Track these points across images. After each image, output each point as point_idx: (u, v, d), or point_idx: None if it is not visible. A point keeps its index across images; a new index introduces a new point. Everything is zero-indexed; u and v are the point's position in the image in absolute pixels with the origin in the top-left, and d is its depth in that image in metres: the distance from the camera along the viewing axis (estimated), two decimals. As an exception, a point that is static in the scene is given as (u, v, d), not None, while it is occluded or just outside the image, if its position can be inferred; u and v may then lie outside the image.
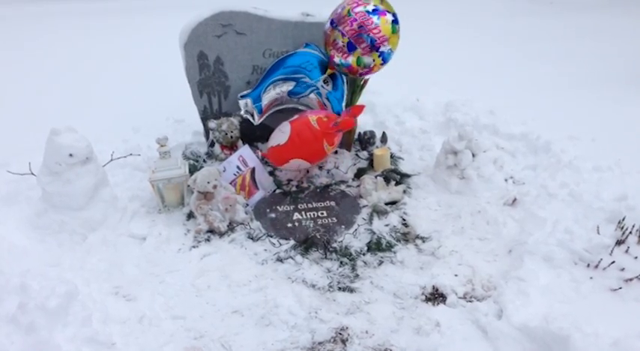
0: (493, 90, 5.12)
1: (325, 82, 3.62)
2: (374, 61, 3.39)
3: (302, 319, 2.51)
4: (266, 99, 3.61)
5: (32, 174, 3.32)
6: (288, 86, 3.61)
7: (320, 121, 3.37)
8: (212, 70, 3.74)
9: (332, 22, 3.43)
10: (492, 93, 4.99)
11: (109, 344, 2.36)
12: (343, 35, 3.35)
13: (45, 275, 2.64)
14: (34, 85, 5.68)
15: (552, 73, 5.60)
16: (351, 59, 3.39)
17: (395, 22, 3.39)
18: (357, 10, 3.32)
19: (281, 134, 3.39)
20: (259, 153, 3.62)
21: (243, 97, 3.65)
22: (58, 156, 2.99)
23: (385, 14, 3.34)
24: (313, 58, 3.62)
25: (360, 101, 3.90)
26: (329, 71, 3.60)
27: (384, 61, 3.44)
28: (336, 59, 3.46)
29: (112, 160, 3.61)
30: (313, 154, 3.48)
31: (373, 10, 3.32)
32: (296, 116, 3.45)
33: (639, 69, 5.50)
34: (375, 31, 3.29)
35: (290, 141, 3.35)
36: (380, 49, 3.35)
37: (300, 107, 3.73)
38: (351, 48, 3.35)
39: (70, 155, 2.99)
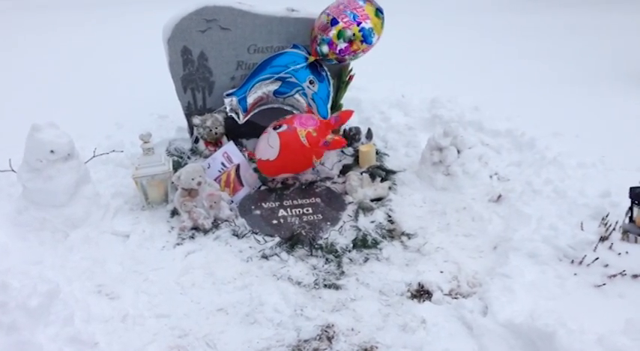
0: (478, 86, 5.13)
1: (311, 82, 3.61)
2: (354, 35, 3.45)
3: (287, 316, 2.50)
4: (251, 98, 3.59)
5: (12, 170, 3.27)
6: (274, 86, 3.60)
7: (309, 136, 3.35)
8: (196, 66, 3.71)
9: (323, 11, 3.57)
10: (477, 89, 5.00)
11: (91, 344, 2.33)
12: (328, 15, 3.49)
13: (26, 273, 2.60)
14: (14, 80, 5.60)
15: (537, 70, 5.63)
16: (332, 33, 3.44)
17: (379, 11, 3.55)
18: None
19: (270, 149, 3.36)
20: (246, 152, 3.60)
21: (228, 95, 3.62)
22: (39, 152, 2.94)
23: (371, 2, 3.54)
24: (300, 58, 3.61)
25: (345, 97, 3.90)
26: (311, 58, 3.60)
27: (365, 38, 3.49)
28: (319, 37, 3.51)
29: (94, 156, 3.57)
30: (300, 167, 3.52)
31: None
32: (284, 126, 3.40)
33: (625, 66, 5.55)
34: (359, 9, 3.47)
35: (279, 158, 3.36)
36: (361, 25, 3.43)
37: (286, 107, 3.72)
38: (334, 23, 3.45)
39: (52, 151, 2.95)
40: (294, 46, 3.69)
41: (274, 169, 3.46)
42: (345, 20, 3.42)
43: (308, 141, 3.35)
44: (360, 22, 3.43)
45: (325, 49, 3.50)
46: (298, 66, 3.58)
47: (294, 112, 3.71)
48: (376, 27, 3.51)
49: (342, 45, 3.47)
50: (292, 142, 3.34)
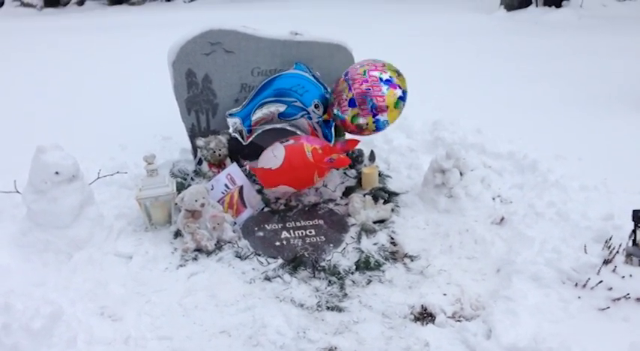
0: (480, 109, 5.15)
1: (316, 106, 3.64)
2: (367, 124, 3.47)
3: (290, 339, 2.49)
4: (255, 117, 3.61)
5: (17, 192, 3.29)
6: (278, 107, 3.62)
7: (315, 152, 3.38)
8: (200, 88, 3.74)
9: (346, 74, 3.54)
10: (479, 112, 5.02)
11: (93, 366, 2.33)
12: (350, 90, 3.44)
13: (29, 295, 2.60)
14: (19, 101, 5.65)
15: (538, 92, 5.66)
16: (348, 114, 3.46)
17: (402, 98, 3.48)
18: (373, 73, 3.43)
19: (273, 158, 3.38)
20: (247, 166, 3.62)
21: (231, 115, 3.64)
22: (44, 174, 2.96)
23: (396, 88, 3.45)
24: (304, 80, 3.64)
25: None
26: (325, 116, 3.67)
27: (377, 128, 3.53)
28: (335, 109, 3.54)
29: (98, 177, 3.59)
30: (302, 183, 3.51)
31: (386, 80, 3.43)
32: (290, 141, 3.43)
33: (626, 87, 5.56)
34: (379, 98, 3.39)
35: (282, 168, 3.35)
36: (377, 117, 3.43)
37: (290, 128, 3.74)
38: (352, 104, 3.43)
39: (56, 173, 2.97)
40: (297, 65, 3.70)
41: (274, 179, 3.44)
42: (362, 108, 3.41)
43: (313, 156, 3.37)
44: (377, 114, 3.42)
45: (338, 120, 3.57)
46: (290, 71, 3.61)
47: (298, 133, 3.73)
48: (391, 117, 3.50)
49: (353, 127, 3.54)
50: (297, 155, 3.36)
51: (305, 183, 3.51)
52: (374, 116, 3.42)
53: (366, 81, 3.41)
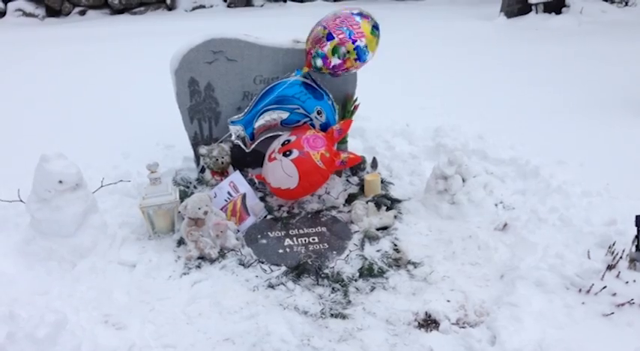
0: (481, 115, 5.16)
1: (319, 113, 3.65)
2: (348, 52, 3.47)
3: (294, 346, 2.49)
4: (258, 125, 3.61)
5: (21, 201, 3.29)
6: (281, 114, 3.63)
7: (324, 158, 3.43)
8: (203, 97, 3.75)
9: (318, 24, 3.60)
10: (481, 118, 5.03)
11: (98, 374, 2.33)
12: (324, 28, 3.50)
13: (33, 304, 2.61)
14: (22, 110, 5.66)
15: (539, 98, 5.67)
16: (327, 48, 3.47)
17: (375, 28, 3.57)
18: (344, 12, 3.56)
19: (289, 178, 3.41)
20: (253, 176, 3.63)
21: (233, 123, 3.65)
22: (47, 183, 2.97)
23: (368, 19, 3.55)
24: (306, 87, 3.64)
25: (350, 127, 3.92)
26: (305, 69, 3.64)
27: (359, 56, 3.51)
28: (314, 51, 3.54)
29: (101, 186, 3.60)
30: (319, 187, 3.64)
31: (357, 14, 3.54)
32: (295, 152, 3.43)
33: (627, 93, 5.57)
34: (355, 26, 3.48)
35: (300, 186, 3.44)
36: (356, 43, 3.45)
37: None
38: (329, 38, 3.46)
39: (60, 182, 2.97)
40: (298, 72, 3.70)
41: (295, 195, 3.57)
42: (340, 37, 3.44)
43: (324, 163, 3.43)
44: (355, 40, 3.45)
45: (319, 62, 3.54)
46: (291, 78, 3.61)
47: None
48: (370, 45, 3.53)
49: (335, 61, 3.50)
50: (310, 169, 3.41)
51: (319, 186, 3.64)
52: (353, 42, 3.45)
53: (339, 17, 3.52)
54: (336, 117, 3.77)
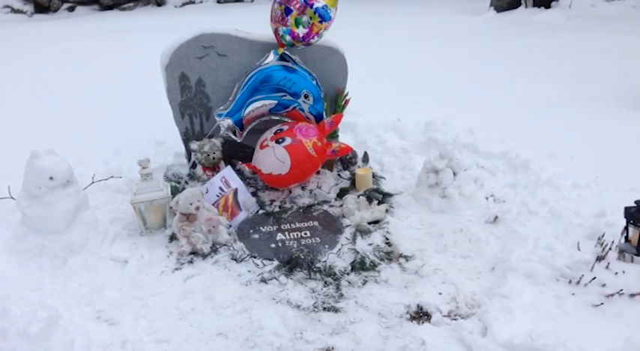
0: (472, 109, 5.18)
1: (306, 96, 3.65)
2: (311, 19, 3.47)
3: (287, 340, 2.50)
4: (246, 114, 3.60)
5: (11, 197, 3.28)
6: (268, 103, 3.61)
7: (316, 146, 3.46)
8: (194, 92, 3.75)
9: (274, 1, 3.57)
10: (471, 112, 5.05)
11: (91, 370, 2.33)
12: (280, 4, 3.49)
13: (26, 300, 2.60)
14: (11, 106, 5.63)
15: (529, 92, 5.69)
16: (290, 22, 3.47)
17: None
18: None
19: (281, 164, 3.42)
20: (244, 165, 3.63)
21: (220, 115, 3.62)
22: (38, 179, 2.96)
23: None
24: (290, 73, 3.62)
25: (341, 122, 3.93)
26: (280, 49, 3.64)
27: (322, 17, 3.50)
28: (281, 31, 3.53)
29: (92, 182, 3.58)
30: (307, 175, 3.64)
31: None
32: (287, 139, 3.44)
33: (615, 86, 5.61)
34: None
35: (292, 172, 3.45)
36: (314, 6, 3.44)
37: (284, 119, 3.74)
38: (287, 12, 3.46)
39: (51, 178, 2.97)
40: (275, 53, 3.68)
41: (286, 182, 3.58)
42: (297, 7, 3.42)
43: (315, 151, 3.46)
44: (312, 4, 3.43)
45: (288, 38, 3.53)
46: (270, 64, 3.59)
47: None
48: (329, 1, 3.51)
49: (302, 31, 3.50)
50: (302, 156, 3.43)
51: (311, 174, 3.66)
52: (311, 7, 3.44)
53: None
54: (322, 95, 3.76)
